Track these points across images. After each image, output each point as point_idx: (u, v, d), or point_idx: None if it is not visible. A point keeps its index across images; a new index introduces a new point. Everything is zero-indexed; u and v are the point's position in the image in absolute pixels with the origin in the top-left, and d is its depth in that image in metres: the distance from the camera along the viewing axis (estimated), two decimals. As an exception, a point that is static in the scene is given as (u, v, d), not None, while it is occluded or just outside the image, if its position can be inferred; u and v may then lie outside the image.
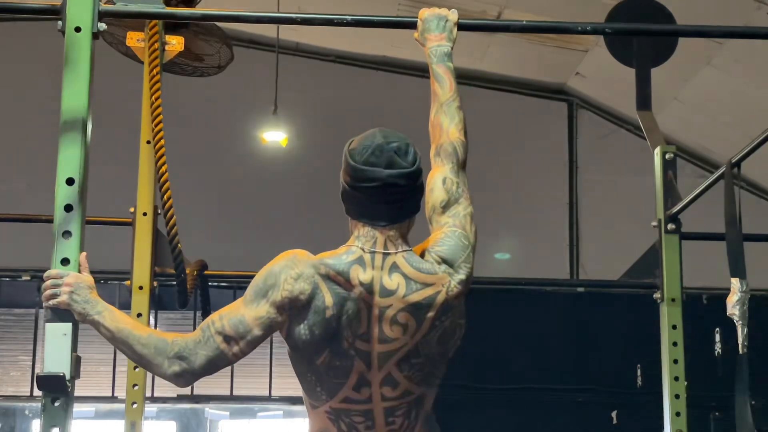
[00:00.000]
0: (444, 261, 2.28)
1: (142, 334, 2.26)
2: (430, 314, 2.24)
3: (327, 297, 2.21)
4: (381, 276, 2.23)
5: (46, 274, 2.35)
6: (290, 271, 2.23)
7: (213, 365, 2.23)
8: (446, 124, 2.49)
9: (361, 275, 2.22)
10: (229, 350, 2.22)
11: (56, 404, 2.34)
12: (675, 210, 4.18)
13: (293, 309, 2.22)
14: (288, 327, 2.24)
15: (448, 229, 2.33)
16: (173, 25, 4.40)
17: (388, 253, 2.25)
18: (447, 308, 2.26)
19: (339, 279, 2.22)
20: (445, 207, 2.38)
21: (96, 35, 2.55)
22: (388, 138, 2.28)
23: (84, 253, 2.40)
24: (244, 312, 2.23)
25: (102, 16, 2.57)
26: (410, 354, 2.24)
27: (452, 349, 2.31)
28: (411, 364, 2.25)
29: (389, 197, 2.25)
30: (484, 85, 9.60)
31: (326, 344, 2.22)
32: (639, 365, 7.20)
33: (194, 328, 6.71)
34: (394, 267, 2.24)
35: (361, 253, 2.25)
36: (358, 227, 2.29)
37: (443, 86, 2.53)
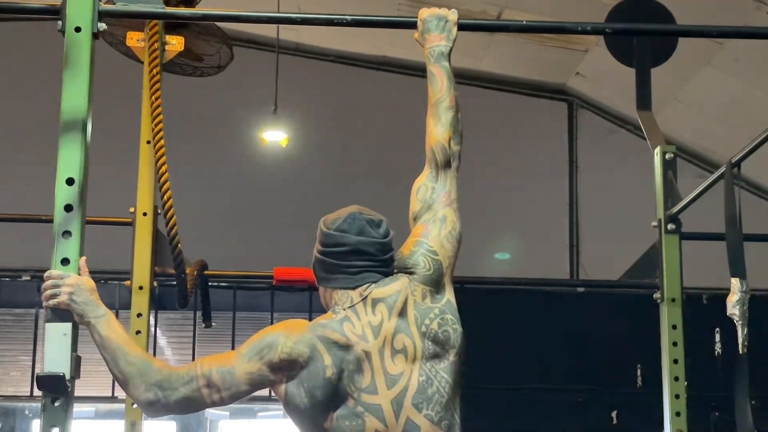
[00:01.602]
0: (399, 270, 2.33)
1: (131, 351, 2.24)
2: (410, 318, 2.26)
3: (326, 357, 2.20)
4: (368, 321, 2.25)
5: (46, 274, 2.35)
6: (290, 335, 2.22)
7: (188, 405, 2.22)
8: (431, 127, 2.52)
9: (353, 329, 2.23)
10: (209, 397, 2.21)
11: (56, 404, 2.34)
12: (675, 210, 4.17)
13: (291, 371, 2.20)
14: (285, 389, 2.22)
15: (409, 240, 2.40)
16: (173, 25, 4.40)
17: (365, 297, 2.27)
18: (422, 309, 2.28)
19: (336, 336, 2.22)
20: (417, 217, 2.44)
21: (96, 35, 2.55)
22: (363, 212, 2.33)
23: (83, 258, 2.40)
24: (235, 364, 2.21)
25: (102, 16, 2.57)
26: (421, 384, 2.22)
27: (456, 362, 2.27)
28: (427, 396, 2.22)
29: (358, 263, 2.28)
30: (484, 85, 9.60)
31: (330, 406, 2.19)
32: (639, 365, 7.19)
33: (194, 329, 6.71)
34: (374, 302, 2.27)
35: (345, 313, 2.26)
36: (333, 296, 2.31)
37: (434, 86, 2.55)
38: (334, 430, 2.20)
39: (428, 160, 2.48)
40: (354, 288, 2.28)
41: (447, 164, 2.47)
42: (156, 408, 2.21)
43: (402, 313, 2.26)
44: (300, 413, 2.22)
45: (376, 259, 2.29)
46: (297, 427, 2.28)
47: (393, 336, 2.24)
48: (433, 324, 2.27)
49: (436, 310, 2.29)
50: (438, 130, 2.49)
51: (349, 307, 2.26)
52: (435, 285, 2.32)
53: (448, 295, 2.34)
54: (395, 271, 2.33)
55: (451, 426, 2.25)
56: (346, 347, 2.21)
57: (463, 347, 2.30)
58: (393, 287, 2.28)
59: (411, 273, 2.32)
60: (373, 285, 2.29)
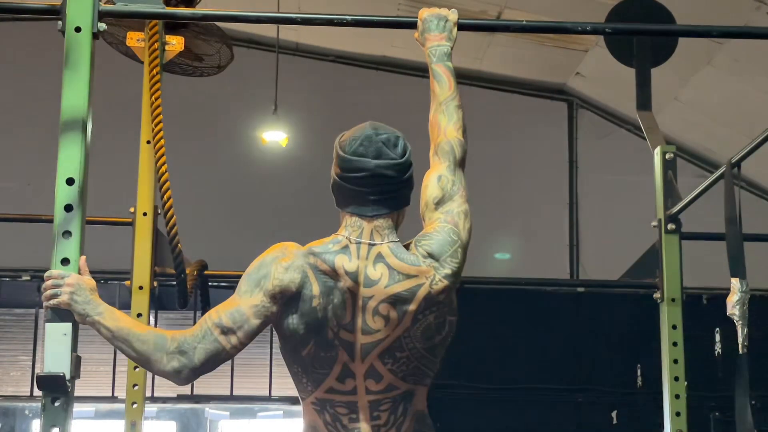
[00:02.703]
0: (430, 255, 2.27)
1: (142, 331, 2.25)
2: (412, 307, 2.23)
3: (315, 286, 2.22)
4: (366, 266, 2.24)
5: (46, 274, 2.35)
6: (281, 261, 2.24)
7: (212, 360, 2.22)
8: (444, 123, 2.49)
9: (346, 264, 2.23)
10: (228, 342, 2.22)
11: (56, 404, 2.34)
12: (675, 210, 4.17)
13: (284, 298, 2.23)
14: (279, 317, 2.24)
15: (438, 225, 2.33)
16: (173, 25, 4.40)
17: (374, 244, 2.25)
18: (430, 302, 2.25)
19: (325, 267, 2.22)
20: (438, 204, 2.37)
21: (96, 35, 2.55)
22: (378, 130, 2.29)
23: (83, 257, 2.40)
24: (239, 302, 2.23)
25: (102, 16, 2.57)
26: (393, 347, 2.24)
27: (441, 347, 2.29)
28: (395, 357, 2.24)
29: (376, 188, 2.26)
30: (484, 85, 9.60)
31: (312, 334, 2.22)
32: (639, 365, 7.20)
33: (194, 328, 6.67)
34: (379, 257, 2.25)
35: (347, 243, 2.25)
36: (346, 218, 2.29)
37: (442, 85, 2.54)
38: (310, 357, 2.24)
39: (444, 154, 2.44)
40: (370, 217, 2.26)
41: (463, 161, 2.46)
42: (184, 374, 2.22)
43: (403, 297, 2.22)
44: (287, 340, 2.25)
45: (396, 181, 2.26)
46: (282, 353, 2.30)
47: (381, 302, 2.22)
48: (431, 316, 2.26)
49: (441, 305, 2.27)
50: (453, 126, 2.48)
51: (355, 242, 2.25)
52: (456, 281, 2.29)
53: (454, 291, 2.33)
54: (426, 251, 2.26)
55: (418, 380, 2.27)
56: (335, 279, 2.22)
57: (453, 333, 2.30)
58: (409, 269, 2.23)
59: (441, 263, 2.26)
60: (389, 242, 2.25)
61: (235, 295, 2.26)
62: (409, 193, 2.32)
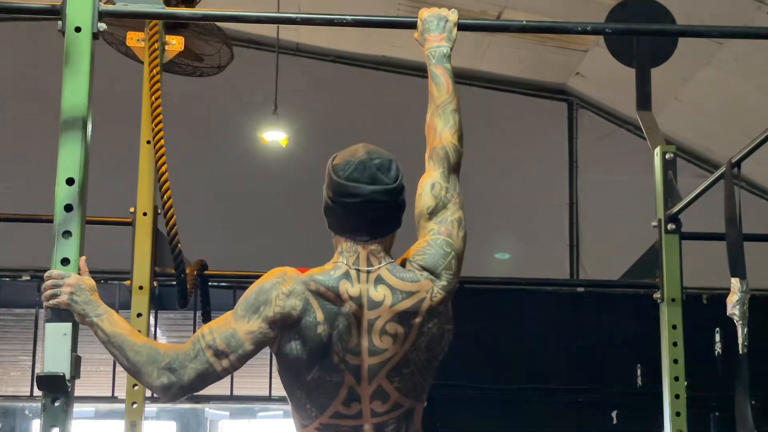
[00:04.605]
0: (424, 269, 2.29)
1: (137, 341, 2.25)
2: (417, 321, 2.25)
3: (318, 313, 2.21)
4: (368, 289, 2.24)
5: (46, 274, 2.35)
6: (281, 287, 2.23)
7: (202, 380, 2.22)
8: (440, 128, 2.48)
9: (349, 289, 2.23)
10: (219, 365, 2.21)
11: (56, 404, 2.34)
12: (675, 210, 4.17)
13: (285, 325, 2.22)
14: (279, 343, 2.24)
15: (431, 237, 2.34)
16: (173, 25, 4.40)
17: (372, 268, 2.26)
18: (433, 314, 2.27)
19: (329, 294, 2.22)
20: (432, 213, 2.38)
21: (96, 35, 2.55)
22: (372, 154, 2.28)
23: (83, 257, 2.40)
24: (235, 326, 2.22)
25: (102, 16, 2.57)
26: (400, 364, 2.25)
27: (439, 356, 2.32)
28: (402, 374, 2.25)
29: (371, 213, 2.25)
30: (484, 85, 9.60)
31: (317, 360, 2.22)
32: (639, 365, 7.19)
33: (194, 329, 6.69)
34: (379, 279, 2.25)
35: (347, 269, 2.26)
36: (341, 243, 2.29)
37: (440, 88, 2.52)
38: (314, 382, 2.23)
39: (438, 160, 2.43)
40: (365, 242, 2.26)
41: (458, 165, 2.45)
42: (172, 391, 2.22)
43: (407, 313, 2.25)
44: (289, 365, 2.24)
45: (390, 205, 2.26)
46: (281, 379, 2.29)
47: (388, 321, 2.24)
48: (435, 329, 2.28)
49: (442, 316, 2.30)
50: (448, 131, 2.47)
51: (354, 265, 2.26)
52: (452, 291, 2.31)
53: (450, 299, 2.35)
54: (420, 266, 2.29)
55: (418, 396, 2.30)
56: (339, 305, 2.22)
57: (449, 343, 2.33)
58: (409, 286, 2.25)
59: (437, 276, 2.28)
60: (386, 264, 2.27)
61: (231, 316, 2.24)
62: (401, 216, 2.32)
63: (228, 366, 2.22)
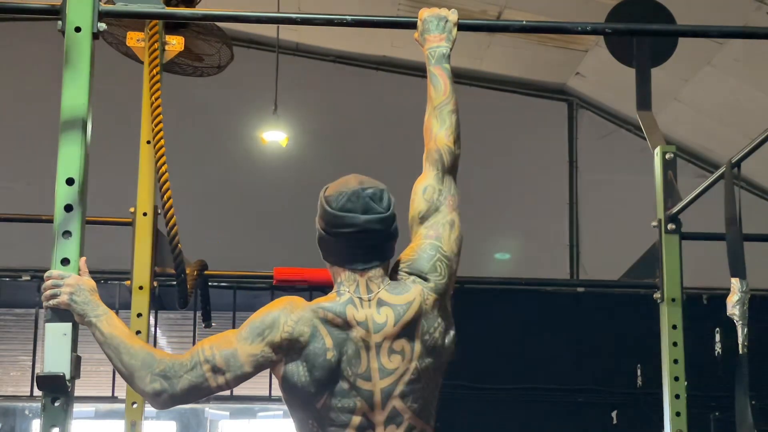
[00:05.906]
0: (411, 273, 2.32)
1: (134, 344, 2.25)
2: (418, 328, 2.27)
3: (327, 339, 2.22)
4: (372, 314, 2.25)
5: (46, 274, 2.35)
6: (290, 314, 2.24)
7: (194, 392, 2.22)
8: (436, 129, 2.49)
9: (356, 315, 2.25)
10: (214, 380, 2.21)
11: (56, 404, 2.34)
12: (675, 210, 4.17)
13: (290, 350, 2.22)
14: (283, 368, 2.24)
15: (418, 242, 2.37)
16: (173, 25, 4.40)
17: (372, 294, 2.27)
18: (429, 317, 2.28)
19: (337, 321, 2.24)
20: (423, 217, 2.40)
21: (96, 35, 2.55)
22: (364, 184, 2.29)
23: (83, 258, 2.40)
24: (237, 347, 2.22)
25: (102, 16, 2.57)
26: (412, 380, 2.26)
27: (445, 363, 2.33)
28: (414, 390, 2.26)
29: (366, 242, 2.27)
30: (484, 85, 9.60)
31: (326, 386, 2.22)
32: (639, 365, 7.19)
33: (194, 329, 6.69)
34: (380, 302, 2.27)
35: (350, 296, 2.27)
36: (339, 273, 2.31)
37: (437, 89, 2.53)
38: (325, 409, 2.23)
39: (432, 162, 2.45)
40: (362, 270, 2.28)
41: (453, 167, 2.46)
42: (163, 398, 2.21)
43: (410, 324, 2.26)
44: (296, 392, 2.24)
45: (383, 234, 2.28)
46: (289, 408, 2.30)
47: (394, 339, 2.25)
48: (436, 333, 2.29)
49: (440, 319, 2.30)
50: (444, 132, 2.47)
51: (355, 293, 2.27)
52: (445, 293, 2.33)
53: (448, 302, 2.35)
54: (407, 272, 2.32)
55: (429, 416, 2.31)
56: (347, 331, 2.23)
57: (454, 350, 2.33)
58: (405, 297, 2.28)
59: (425, 279, 2.31)
60: (384, 286, 2.28)
61: (234, 336, 2.24)
62: (395, 244, 2.33)
63: (222, 383, 2.22)
